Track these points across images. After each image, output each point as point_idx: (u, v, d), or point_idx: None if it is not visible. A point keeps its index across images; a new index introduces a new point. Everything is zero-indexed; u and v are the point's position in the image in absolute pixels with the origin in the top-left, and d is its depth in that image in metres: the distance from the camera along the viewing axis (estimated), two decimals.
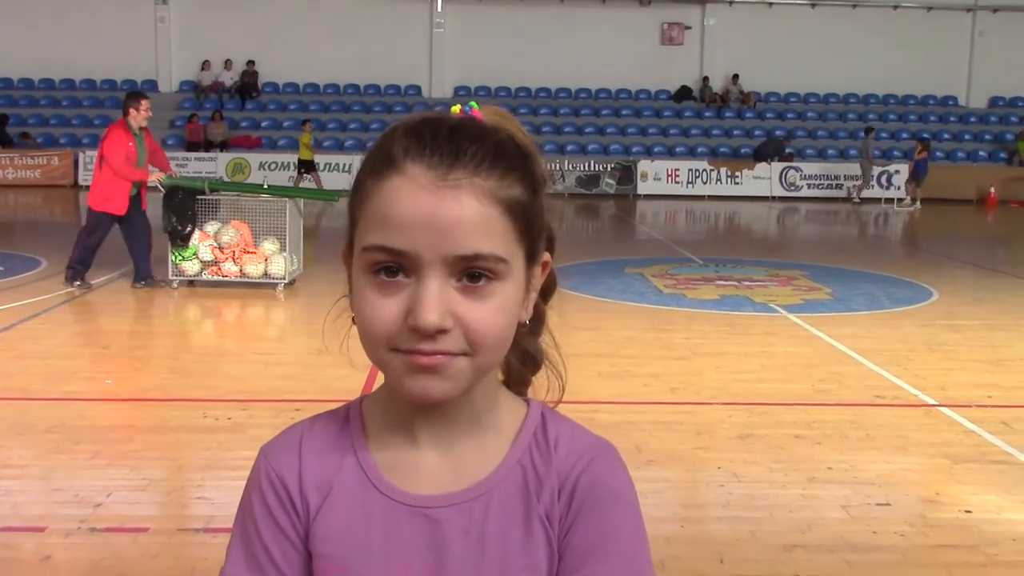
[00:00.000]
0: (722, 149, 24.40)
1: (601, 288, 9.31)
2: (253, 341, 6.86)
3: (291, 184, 19.07)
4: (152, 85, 25.14)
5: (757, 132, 24.83)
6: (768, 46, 25.50)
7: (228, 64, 25.12)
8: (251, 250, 8.70)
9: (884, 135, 24.88)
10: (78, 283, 8.62)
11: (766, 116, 25.60)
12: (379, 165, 0.95)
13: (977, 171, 23.67)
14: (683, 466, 4.55)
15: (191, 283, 8.88)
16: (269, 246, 8.75)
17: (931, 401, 5.64)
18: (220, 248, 8.68)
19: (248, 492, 1.06)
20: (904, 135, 24.96)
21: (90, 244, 8.61)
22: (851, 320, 8.08)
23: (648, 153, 24.00)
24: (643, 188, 22.72)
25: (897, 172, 22.62)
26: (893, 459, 4.64)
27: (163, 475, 4.30)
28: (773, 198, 22.51)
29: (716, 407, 5.45)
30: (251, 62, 25.09)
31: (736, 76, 25.77)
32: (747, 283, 9.72)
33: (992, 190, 22.28)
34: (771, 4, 25.95)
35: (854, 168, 22.74)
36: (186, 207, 8.56)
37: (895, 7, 25.80)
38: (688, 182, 22.79)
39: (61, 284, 8.63)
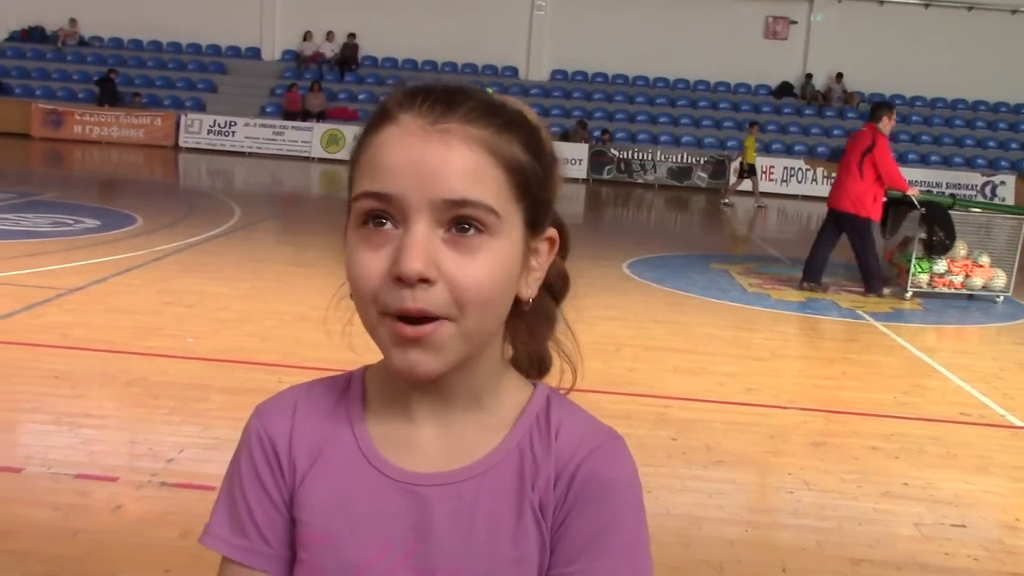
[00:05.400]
0: (820, 149, 23.84)
1: (684, 282, 9.20)
2: (331, 310, 6.94)
3: (730, 185, 20.03)
4: (255, 53, 25.63)
5: None
6: (876, 46, 24.78)
7: (330, 36, 25.45)
8: (980, 263, 9.40)
9: (992, 144, 24.04)
10: (887, 291, 9.19)
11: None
12: (375, 122, 0.95)
13: None
14: (753, 469, 4.46)
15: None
16: (986, 259, 9.45)
17: (1019, 423, 5.43)
18: (954, 260, 9.32)
19: (237, 451, 1.05)
20: (1013, 145, 24.07)
21: (871, 250, 9.16)
22: (942, 332, 7.83)
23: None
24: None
25: (1003, 183, 21.82)
26: (973, 479, 4.48)
27: (234, 435, 4.33)
28: None
29: (792, 411, 5.33)
30: (352, 35, 25.37)
31: (840, 75, 25.14)
32: (834, 288, 9.49)
33: None
34: (882, 2, 25.21)
35: (958, 175, 21.97)
36: (949, 221, 9.15)
37: (1013, 11, 24.82)
38: (783, 180, 22.33)
39: (863, 295, 9.15)
